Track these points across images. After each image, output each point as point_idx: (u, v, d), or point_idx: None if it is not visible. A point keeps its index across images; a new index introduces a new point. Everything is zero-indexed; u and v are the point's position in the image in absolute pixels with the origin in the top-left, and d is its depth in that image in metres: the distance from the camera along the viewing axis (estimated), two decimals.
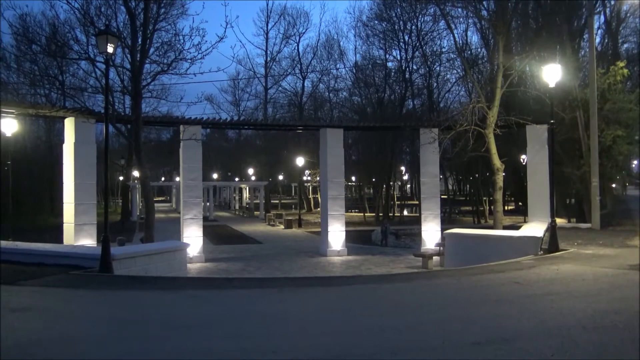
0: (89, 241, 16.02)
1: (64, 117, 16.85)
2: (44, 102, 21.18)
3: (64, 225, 16.62)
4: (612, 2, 25.07)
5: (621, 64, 19.99)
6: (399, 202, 49.31)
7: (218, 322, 6.15)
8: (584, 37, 23.68)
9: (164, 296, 8.15)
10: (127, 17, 16.00)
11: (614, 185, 27.76)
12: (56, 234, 17.78)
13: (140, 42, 14.60)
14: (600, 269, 9.59)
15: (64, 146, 17.04)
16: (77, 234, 16.10)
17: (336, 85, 44.41)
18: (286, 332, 5.69)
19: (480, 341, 5.12)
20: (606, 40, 28.20)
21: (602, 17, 26.72)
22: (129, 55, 15.64)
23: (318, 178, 33.87)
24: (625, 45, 31.88)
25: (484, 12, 23.64)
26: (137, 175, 23.80)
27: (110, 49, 10.59)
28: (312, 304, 7.21)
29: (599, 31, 27.23)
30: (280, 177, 61.39)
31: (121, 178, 44.10)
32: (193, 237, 18.18)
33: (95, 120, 16.67)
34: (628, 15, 29.37)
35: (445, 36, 35.97)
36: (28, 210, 32.57)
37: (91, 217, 16.52)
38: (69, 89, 24.93)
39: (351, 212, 46.34)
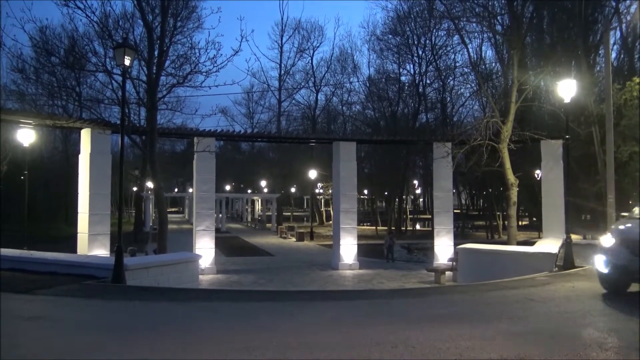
0: (102, 251, 16.12)
1: (81, 128, 17.07)
2: (61, 113, 21.54)
3: (78, 235, 16.76)
4: (629, 18, 24.92)
5: (637, 79, 19.80)
6: (411, 216, 49.07)
7: (228, 334, 6.13)
8: (600, 52, 23.53)
9: (176, 307, 8.16)
10: (144, 30, 16.27)
11: (630, 202, 27.38)
12: (70, 243, 17.93)
13: (156, 55, 14.80)
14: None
15: (80, 156, 17.24)
16: (91, 244, 16.21)
17: (349, 98, 44.62)
18: (298, 346, 5.65)
19: (495, 359, 5.04)
20: (622, 56, 28.02)
21: (618, 33, 26.59)
22: (145, 68, 15.88)
23: (330, 191, 33.85)
24: None
25: (499, 27, 23.65)
26: (151, 186, 23.97)
27: (127, 62, 10.73)
28: (324, 317, 7.15)
29: (615, 47, 27.07)
30: (293, 190, 61.43)
31: (135, 189, 44.44)
32: (205, 249, 18.23)
33: (111, 132, 16.86)
34: None
35: (459, 51, 36.01)
36: (43, 219, 32.92)
37: (105, 227, 16.63)
38: (86, 100, 25.35)
39: (363, 225, 46.19)
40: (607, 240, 8.37)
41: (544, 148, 19.07)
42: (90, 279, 10.07)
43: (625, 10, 24.48)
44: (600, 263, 8.27)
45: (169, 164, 44.89)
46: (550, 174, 18.86)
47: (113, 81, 17.36)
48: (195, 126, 20.22)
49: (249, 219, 60.06)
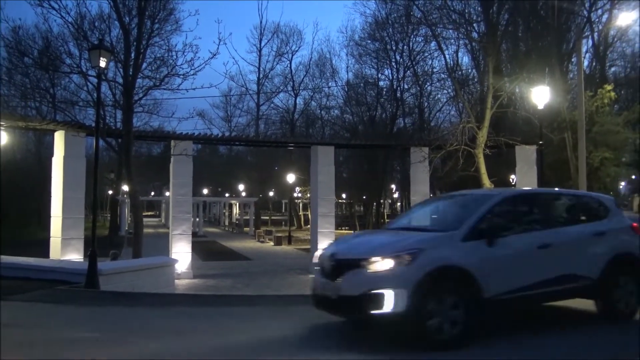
0: (76, 256, 15.83)
1: (54, 130, 16.75)
2: (35, 115, 21.09)
3: (51, 239, 16.42)
4: (600, 27, 25.55)
5: (609, 87, 20.30)
6: (389, 220, 49.29)
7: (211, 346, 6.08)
8: (573, 60, 24.05)
9: (151, 313, 8.05)
10: (120, 32, 16.07)
11: None
12: (43, 247, 17.57)
13: (133, 57, 14.64)
14: None
15: (54, 159, 16.92)
16: (64, 248, 15.90)
17: (328, 103, 44.66)
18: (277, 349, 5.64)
19: None
20: (594, 64, 28.75)
21: (590, 41, 27.25)
22: (121, 70, 15.68)
23: (308, 195, 33.85)
24: (613, 69, 32.60)
25: (475, 34, 24.01)
26: (127, 189, 23.66)
27: (102, 64, 10.60)
28: (301, 322, 7.14)
29: (587, 55, 27.77)
30: (271, 194, 61.30)
31: (110, 192, 43.78)
32: (182, 253, 18.03)
33: (85, 134, 16.59)
34: (615, 39, 30.04)
35: (436, 57, 36.32)
36: (15, 223, 32.17)
37: (79, 231, 16.34)
38: (60, 102, 24.92)
39: (341, 229, 46.22)
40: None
41: (519, 153, 19.39)
42: (63, 284, 9.88)
43: (597, 20, 25.13)
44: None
45: (145, 167, 44.36)
46: (524, 179, 19.17)
47: (88, 83, 17.11)
48: (172, 129, 20.00)
49: (227, 223, 59.65)
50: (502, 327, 6.34)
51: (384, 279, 5.31)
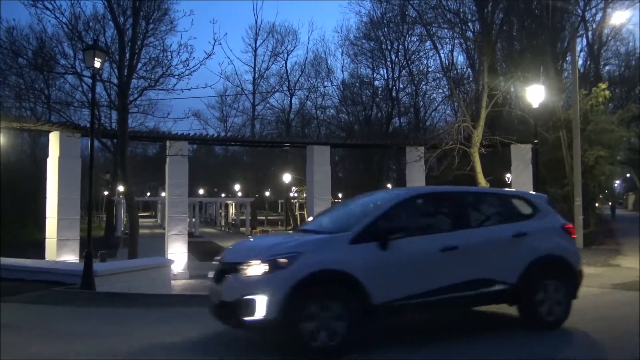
0: (71, 257, 15.80)
1: (49, 131, 16.72)
2: (29, 116, 20.97)
3: (47, 240, 16.39)
4: (594, 26, 25.65)
5: (603, 85, 20.37)
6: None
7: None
8: (567, 59, 24.13)
9: (148, 314, 8.04)
10: (115, 32, 16.02)
11: (597, 205, 28.12)
12: (39, 249, 17.51)
13: (128, 58, 14.61)
14: (583, 287, 9.49)
15: (49, 160, 16.88)
16: (60, 249, 15.87)
17: (323, 102, 44.62)
18: None
19: None
20: (588, 63, 28.82)
21: (585, 40, 27.36)
22: (116, 70, 15.62)
23: (305, 195, 33.86)
24: (607, 68, 32.75)
25: (470, 34, 24.04)
26: (122, 190, 23.60)
27: (97, 64, 10.58)
28: None
29: (582, 54, 27.84)
30: (267, 194, 61.20)
31: (106, 193, 43.64)
32: (178, 254, 18.02)
33: (80, 135, 16.56)
34: (609, 38, 30.17)
35: (431, 56, 36.29)
36: (11, 224, 32.04)
37: (74, 232, 16.31)
38: (55, 102, 24.76)
39: None
40: None
41: (514, 152, 19.45)
42: (58, 285, 9.84)
43: (591, 19, 25.23)
44: None
45: (141, 167, 44.20)
46: (520, 178, 19.25)
47: (83, 83, 17.02)
48: (167, 129, 20.00)
49: (223, 223, 59.57)
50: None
51: (257, 284, 5.07)
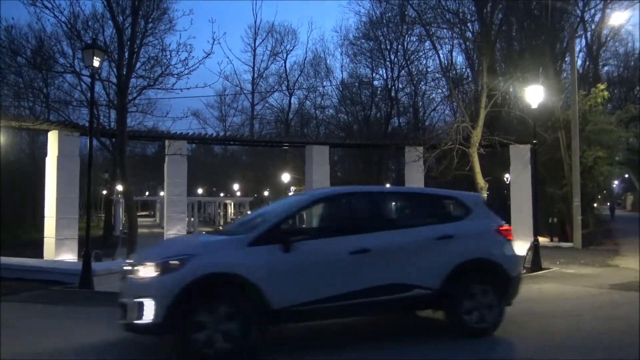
0: (70, 256, 15.78)
1: (48, 130, 16.70)
2: (28, 115, 20.95)
3: (45, 239, 16.37)
4: (593, 26, 25.68)
5: (602, 86, 20.40)
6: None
7: None
8: (566, 59, 24.14)
9: None
10: (114, 31, 15.99)
11: (595, 205, 28.13)
12: (38, 248, 17.48)
13: (127, 57, 14.57)
14: (581, 288, 9.68)
15: (47, 159, 16.86)
16: (58, 248, 15.86)
17: (323, 102, 44.63)
18: None
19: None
20: (587, 63, 28.85)
21: (584, 41, 27.39)
22: (115, 69, 15.60)
23: None
24: (606, 68, 32.76)
25: (469, 34, 24.06)
26: (121, 189, 23.59)
27: (96, 63, 10.56)
28: None
29: (581, 54, 27.89)
30: (266, 193, 61.16)
31: (104, 192, 43.59)
32: None
33: (79, 134, 16.55)
34: (608, 39, 30.19)
35: (430, 56, 36.32)
36: (9, 224, 32.00)
37: (73, 231, 16.29)
38: (54, 101, 24.74)
39: None
40: None
41: (513, 152, 19.45)
42: (57, 284, 9.84)
43: (590, 19, 25.26)
44: None
45: (140, 167, 44.16)
46: (518, 178, 19.25)
47: (82, 82, 17.00)
48: (166, 129, 20.01)
49: (222, 223, 59.53)
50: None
51: (146, 287, 4.96)
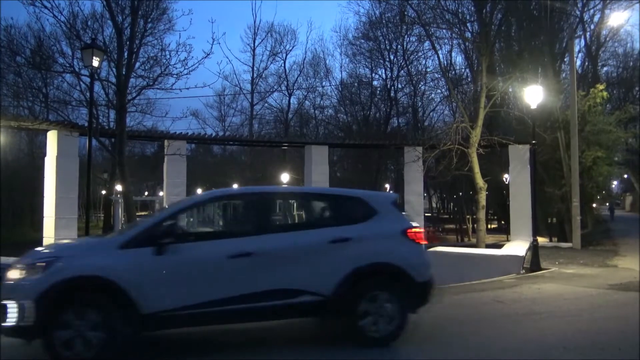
0: None
1: (47, 130, 16.68)
2: (27, 115, 20.94)
3: (44, 239, 16.33)
4: (592, 27, 25.69)
5: (601, 86, 20.41)
6: None
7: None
8: (565, 60, 24.16)
9: None
10: (113, 31, 15.99)
11: (594, 205, 28.15)
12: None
13: (126, 57, 14.56)
14: (580, 288, 9.68)
15: (46, 159, 16.84)
16: None
17: (322, 102, 44.61)
18: None
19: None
20: (586, 64, 28.89)
21: (583, 41, 27.40)
22: (114, 69, 15.58)
23: None
24: (605, 69, 32.78)
25: (468, 34, 24.06)
26: (120, 189, 23.59)
27: (95, 63, 10.59)
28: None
29: (580, 54, 27.92)
30: None
31: (104, 192, 43.58)
32: None
33: (78, 134, 16.52)
34: (607, 39, 30.21)
35: (430, 56, 36.34)
36: (8, 224, 32.00)
37: (72, 231, 16.27)
38: (53, 101, 24.75)
39: None
40: None
41: (512, 153, 19.46)
42: None
43: (589, 20, 25.27)
44: None
45: (139, 167, 44.15)
46: (518, 178, 19.26)
47: (81, 82, 16.98)
48: (166, 129, 20.05)
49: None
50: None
51: (12, 289, 4.86)
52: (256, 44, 44.97)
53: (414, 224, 5.98)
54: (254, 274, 5.20)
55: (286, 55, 45.51)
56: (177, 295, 5.01)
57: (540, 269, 12.15)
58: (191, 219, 5.68)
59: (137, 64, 15.25)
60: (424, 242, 5.92)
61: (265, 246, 5.29)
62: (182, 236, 5.29)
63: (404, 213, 6.26)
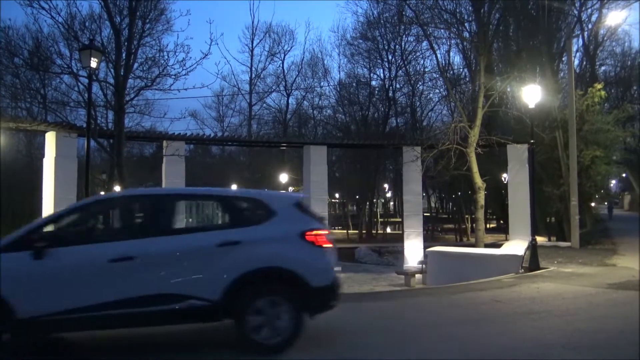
0: None
1: (46, 131, 16.67)
2: (25, 116, 20.90)
3: None
4: (590, 26, 25.73)
5: (599, 86, 20.44)
6: (382, 220, 49.39)
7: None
8: (563, 59, 24.20)
9: None
10: (111, 32, 15.97)
11: (593, 204, 28.18)
12: None
13: (124, 58, 14.56)
14: (579, 287, 9.70)
15: (45, 160, 16.84)
16: None
17: (320, 102, 44.62)
18: None
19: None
20: (584, 63, 28.94)
21: (581, 41, 27.44)
22: (112, 70, 15.57)
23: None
24: (603, 68, 32.87)
25: (466, 34, 24.08)
26: (119, 190, 23.57)
27: (93, 64, 10.59)
28: None
29: (578, 54, 27.94)
30: None
31: (102, 193, 43.53)
32: None
33: (77, 135, 16.51)
34: (605, 38, 30.28)
35: (428, 56, 36.39)
36: (6, 224, 31.94)
37: None
38: (51, 102, 24.70)
39: (334, 229, 46.23)
40: None
41: (510, 152, 19.48)
42: None
43: (587, 19, 25.30)
44: None
45: (137, 167, 44.12)
46: (516, 178, 19.28)
47: (79, 83, 16.97)
48: (164, 129, 20.01)
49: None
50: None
51: None
52: (254, 45, 44.96)
53: (317, 226, 5.68)
54: (137, 278, 5.08)
55: (284, 55, 45.50)
56: (55, 299, 4.92)
57: (539, 268, 12.17)
58: (76, 223, 5.58)
59: (135, 65, 15.25)
60: (327, 245, 5.60)
61: (148, 250, 5.15)
62: (63, 240, 5.16)
63: (316, 215, 6.05)
